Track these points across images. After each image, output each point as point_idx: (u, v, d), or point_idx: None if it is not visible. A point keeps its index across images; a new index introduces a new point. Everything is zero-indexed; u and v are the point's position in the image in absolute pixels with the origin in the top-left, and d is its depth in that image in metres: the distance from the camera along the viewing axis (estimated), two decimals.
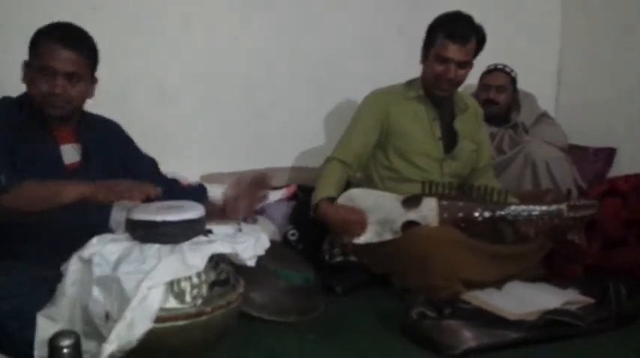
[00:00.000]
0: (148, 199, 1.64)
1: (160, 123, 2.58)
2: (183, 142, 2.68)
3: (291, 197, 2.61)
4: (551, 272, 2.32)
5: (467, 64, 2.32)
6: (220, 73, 2.72)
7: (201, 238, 1.58)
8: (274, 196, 2.54)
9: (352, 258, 2.27)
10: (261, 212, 2.47)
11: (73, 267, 1.52)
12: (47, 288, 1.55)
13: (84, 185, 1.59)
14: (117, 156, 1.92)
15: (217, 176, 2.64)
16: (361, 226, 2.21)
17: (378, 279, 2.23)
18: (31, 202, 1.57)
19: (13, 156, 1.69)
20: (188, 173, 2.55)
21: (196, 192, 2.03)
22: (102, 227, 1.82)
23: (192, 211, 1.59)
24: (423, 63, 2.38)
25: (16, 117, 1.73)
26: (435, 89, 2.35)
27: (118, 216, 1.91)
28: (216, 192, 2.48)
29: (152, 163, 2.04)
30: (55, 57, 1.68)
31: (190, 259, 1.48)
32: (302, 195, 2.60)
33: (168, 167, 2.43)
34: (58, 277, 1.56)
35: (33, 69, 1.71)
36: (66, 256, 1.57)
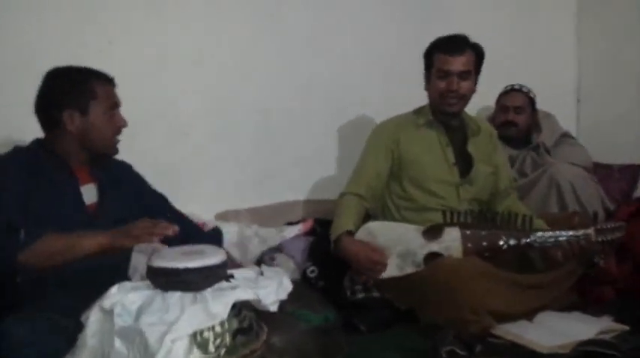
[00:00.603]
0: (166, 238, 1.64)
1: (171, 160, 2.56)
2: (196, 179, 2.64)
3: (309, 232, 2.57)
4: (583, 299, 2.26)
5: (468, 75, 2.32)
6: (232, 104, 2.71)
7: (223, 284, 1.55)
8: (291, 232, 2.51)
9: (375, 294, 2.21)
10: (280, 249, 2.44)
11: (93, 318, 1.50)
12: (66, 338, 1.54)
13: (101, 235, 1.60)
14: (131, 194, 1.94)
15: (233, 213, 2.62)
16: (383, 265, 2.17)
17: (403, 315, 2.16)
18: (49, 256, 1.59)
19: (33, 202, 1.69)
20: (203, 211, 2.52)
21: (213, 236, 2.04)
22: (121, 273, 1.82)
23: (214, 256, 1.56)
24: (427, 87, 2.40)
25: (33, 163, 1.75)
26: (443, 106, 2.34)
27: (135, 261, 1.91)
28: (230, 230, 2.47)
29: (163, 198, 2.05)
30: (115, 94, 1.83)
31: (213, 308, 1.45)
32: (320, 230, 2.55)
33: (183, 207, 2.42)
34: (78, 327, 1.54)
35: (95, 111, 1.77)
36: (85, 305, 1.56)
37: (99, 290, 1.54)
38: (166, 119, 2.55)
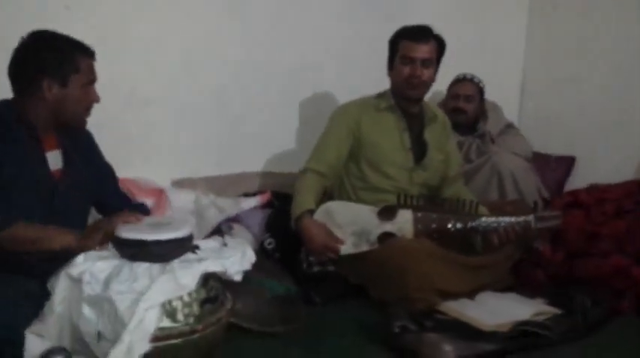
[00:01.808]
0: None
1: (131, 128, 2.56)
2: (155, 147, 2.65)
3: (266, 204, 2.61)
4: (517, 281, 2.42)
5: (431, 63, 2.40)
6: (193, 80, 2.71)
7: (190, 256, 1.59)
8: (249, 203, 2.54)
9: (330, 268, 2.30)
10: (237, 220, 2.48)
11: (61, 285, 1.52)
12: (34, 304, 1.56)
13: (71, 235, 1.65)
14: (88, 162, 1.93)
15: (188, 181, 2.63)
16: (335, 251, 2.24)
17: (356, 289, 2.27)
18: (22, 243, 1.63)
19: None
20: (158, 178, 2.55)
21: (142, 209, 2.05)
22: None
23: (181, 229, 1.60)
24: (390, 73, 2.47)
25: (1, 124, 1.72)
26: (405, 91, 2.42)
27: None
28: (186, 198, 2.50)
29: (111, 171, 2.04)
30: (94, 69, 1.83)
31: (182, 278, 1.50)
32: (277, 202, 2.61)
33: (139, 172, 2.43)
34: (44, 292, 1.56)
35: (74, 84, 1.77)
36: (50, 269, 1.58)
37: (64, 258, 1.56)
38: (126, 90, 2.52)
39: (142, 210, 1.97)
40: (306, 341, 1.94)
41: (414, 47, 2.37)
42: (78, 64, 1.76)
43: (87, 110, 1.84)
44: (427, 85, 2.44)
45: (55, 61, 1.73)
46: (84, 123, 1.87)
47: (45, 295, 1.55)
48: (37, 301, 1.55)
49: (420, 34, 2.39)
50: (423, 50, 2.37)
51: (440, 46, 2.43)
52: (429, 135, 2.51)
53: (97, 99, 1.84)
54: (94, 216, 1.96)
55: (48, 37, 1.76)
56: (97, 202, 1.96)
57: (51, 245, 1.63)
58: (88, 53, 1.80)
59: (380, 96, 2.52)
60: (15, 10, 2.22)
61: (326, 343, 1.96)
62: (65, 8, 2.35)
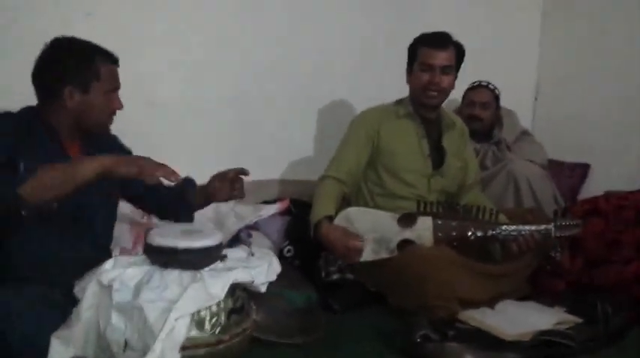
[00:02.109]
0: (154, 187, 1.70)
1: (148, 131, 2.55)
2: (172, 152, 2.59)
3: (285, 211, 2.61)
4: (535, 289, 2.41)
5: (450, 70, 2.41)
6: (210, 85, 2.72)
7: (219, 265, 1.59)
8: (267, 211, 2.54)
9: (348, 276, 2.30)
10: (256, 227, 2.48)
11: (90, 291, 1.51)
12: (58, 313, 1.54)
13: (103, 157, 1.55)
14: None
15: None
16: (358, 253, 2.24)
17: (375, 297, 2.27)
18: (49, 187, 1.50)
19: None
20: None
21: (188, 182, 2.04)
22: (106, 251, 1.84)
23: (212, 237, 1.60)
24: (409, 79, 2.47)
25: (24, 129, 1.70)
26: (424, 99, 2.42)
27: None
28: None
29: None
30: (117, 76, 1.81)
31: (212, 288, 1.49)
32: (296, 210, 2.61)
33: None
34: (69, 301, 1.56)
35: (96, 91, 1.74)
36: (73, 279, 1.57)
37: (87, 268, 1.55)
38: (144, 95, 2.53)
39: (189, 183, 1.98)
40: (325, 349, 1.93)
41: (433, 54, 2.37)
42: (98, 71, 1.73)
43: (110, 117, 1.82)
44: (446, 92, 2.44)
45: (75, 68, 1.72)
46: (107, 130, 1.86)
47: (70, 304, 1.54)
48: (62, 310, 1.54)
49: (439, 40, 2.39)
50: (442, 57, 2.37)
51: (459, 52, 2.44)
52: (447, 142, 2.51)
53: (119, 107, 1.81)
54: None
55: (69, 43, 1.75)
56: (131, 198, 1.95)
57: (81, 175, 1.51)
58: (110, 59, 1.77)
59: (398, 102, 2.52)
60: (38, 18, 2.24)
61: (345, 351, 1.95)
62: (87, 15, 2.36)
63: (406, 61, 2.49)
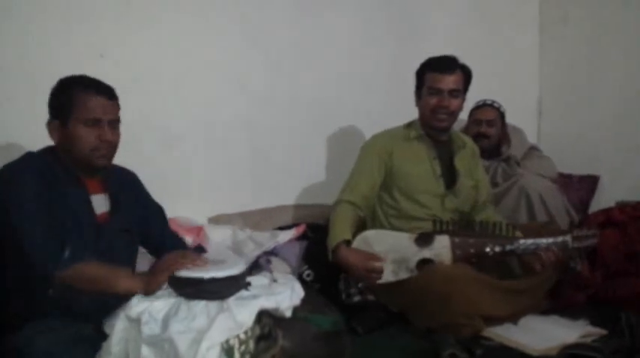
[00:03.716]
0: None
1: (163, 167, 2.57)
2: (189, 185, 2.67)
3: (302, 236, 2.62)
4: (556, 302, 2.40)
5: (458, 94, 2.43)
6: (222, 117, 2.75)
7: (244, 293, 1.60)
8: (285, 236, 2.54)
9: (370, 297, 2.29)
10: (274, 253, 2.48)
11: (119, 326, 1.52)
12: (88, 348, 1.55)
13: (136, 280, 1.62)
14: (139, 207, 1.94)
15: (225, 217, 2.66)
16: (379, 273, 2.24)
17: (397, 317, 2.26)
18: (86, 281, 1.60)
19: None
20: (196, 215, 2.57)
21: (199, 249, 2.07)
22: None
23: (236, 266, 1.61)
24: (418, 103, 2.50)
25: (46, 172, 1.71)
26: (433, 122, 2.44)
27: None
28: (224, 234, 2.51)
29: (161, 211, 2.04)
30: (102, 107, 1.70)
31: (239, 316, 1.50)
32: (312, 234, 2.61)
33: (176, 211, 2.44)
34: (99, 335, 1.57)
35: (73, 123, 1.69)
36: (102, 315, 1.58)
37: (117, 303, 1.57)
38: (158, 129, 2.56)
39: (200, 252, 1.95)
40: None
41: (440, 78, 2.40)
42: (71, 101, 1.67)
43: (93, 151, 1.70)
44: (455, 114, 2.46)
45: (54, 101, 1.71)
46: (96, 164, 1.73)
47: (100, 338, 1.55)
48: (92, 344, 1.55)
49: (445, 64, 2.41)
50: (449, 81, 2.40)
51: (466, 75, 2.46)
52: (459, 162, 2.53)
53: (104, 139, 1.69)
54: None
55: (63, 80, 1.74)
56: (147, 243, 1.95)
57: (117, 286, 1.59)
58: (93, 88, 1.69)
59: (409, 126, 2.55)
60: (53, 60, 2.26)
61: None
62: (100, 56, 2.40)
63: (410, 84, 2.52)
